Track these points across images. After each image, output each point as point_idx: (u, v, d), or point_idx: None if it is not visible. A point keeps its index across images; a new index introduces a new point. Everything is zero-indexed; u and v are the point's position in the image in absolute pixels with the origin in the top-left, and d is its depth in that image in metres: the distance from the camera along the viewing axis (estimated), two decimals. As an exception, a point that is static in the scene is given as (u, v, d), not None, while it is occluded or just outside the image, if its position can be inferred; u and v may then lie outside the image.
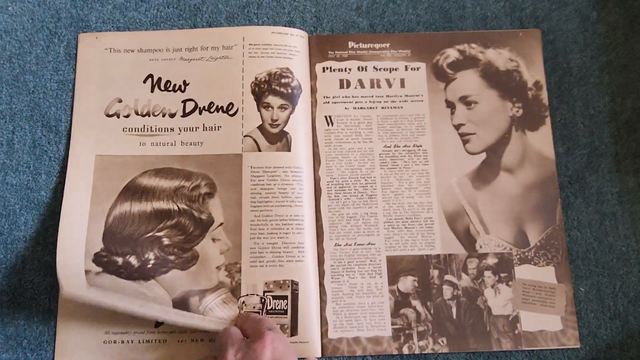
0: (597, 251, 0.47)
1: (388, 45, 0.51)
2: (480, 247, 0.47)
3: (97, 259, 0.45)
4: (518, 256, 0.47)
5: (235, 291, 0.45)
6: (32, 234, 0.46)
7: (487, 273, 0.46)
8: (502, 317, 0.45)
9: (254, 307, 0.44)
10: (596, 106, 0.51)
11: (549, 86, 0.51)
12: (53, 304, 0.45)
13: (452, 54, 0.51)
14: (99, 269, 0.45)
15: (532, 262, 0.46)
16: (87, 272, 0.44)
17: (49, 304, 0.45)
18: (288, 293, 0.44)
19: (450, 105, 0.50)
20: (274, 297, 0.45)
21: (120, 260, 0.45)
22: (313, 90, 0.50)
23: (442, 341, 0.45)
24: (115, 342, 0.44)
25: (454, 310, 0.45)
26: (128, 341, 0.44)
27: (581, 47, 0.52)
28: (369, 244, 0.47)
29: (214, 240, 0.46)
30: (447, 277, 0.46)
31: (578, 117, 0.50)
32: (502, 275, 0.46)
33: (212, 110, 0.49)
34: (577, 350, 0.45)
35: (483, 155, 0.49)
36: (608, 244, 0.47)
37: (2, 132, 0.48)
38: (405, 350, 0.44)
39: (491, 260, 0.46)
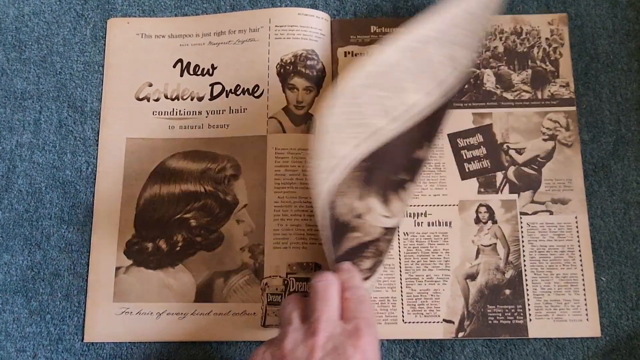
0: (621, 240, 0.47)
1: (411, 30, 0.51)
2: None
3: (129, 247, 0.46)
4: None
5: (258, 272, 0.46)
6: (56, 211, 0.47)
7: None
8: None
9: (276, 289, 0.45)
10: (623, 93, 0.50)
11: (575, 72, 0.50)
12: (75, 280, 0.46)
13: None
14: (129, 262, 0.46)
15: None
16: (117, 269, 0.46)
17: (71, 280, 0.46)
18: (311, 275, 0.45)
19: (473, 91, 0.50)
20: (297, 279, 0.45)
21: (150, 245, 0.46)
22: (334, 75, 0.50)
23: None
24: (141, 313, 0.45)
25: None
26: (156, 313, 0.45)
27: (610, 33, 0.51)
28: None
29: (238, 221, 0.47)
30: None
31: (605, 104, 0.50)
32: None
33: (238, 92, 0.49)
34: (597, 340, 0.45)
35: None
36: (632, 233, 0.47)
37: (30, 112, 0.49)
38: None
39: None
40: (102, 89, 0.50)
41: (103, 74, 0.50)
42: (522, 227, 0.46)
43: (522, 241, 0.46)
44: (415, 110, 0.39)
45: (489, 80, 0.50)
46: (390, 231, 0.41)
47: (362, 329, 0.34)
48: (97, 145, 0.48)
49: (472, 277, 0.46)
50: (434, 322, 0.45)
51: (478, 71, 0.50)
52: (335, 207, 0.37)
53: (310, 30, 0.50)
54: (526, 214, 0.47)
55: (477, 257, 0.46)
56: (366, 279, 0.40)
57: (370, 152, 0.38)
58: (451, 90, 0.41)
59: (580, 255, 0.46)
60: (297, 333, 0.34)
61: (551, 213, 0.47)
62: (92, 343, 0.45)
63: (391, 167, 0.40)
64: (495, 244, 0.46)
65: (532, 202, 0.47)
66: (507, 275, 0.46)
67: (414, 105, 0.39)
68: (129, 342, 0.45)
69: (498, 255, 0.46)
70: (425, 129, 0.41)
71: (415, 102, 0.39)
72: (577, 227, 0.46)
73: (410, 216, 0.47)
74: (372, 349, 0.34)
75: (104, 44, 0.51)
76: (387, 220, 0.41)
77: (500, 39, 0.51)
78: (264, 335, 0.44)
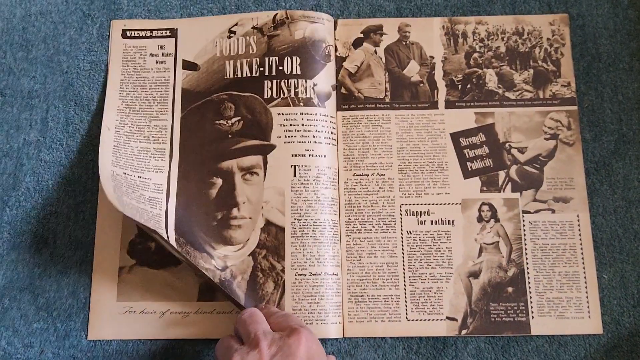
0: (622, 238, 0.47)
1: (414, 30, 0.52)
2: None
3: (132, 247, 0.46)
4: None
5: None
6: (63, 209, 0.48)
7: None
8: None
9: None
10: (625, 92, 0.50)
11: (577, 71, 0.51)
12: (82, 278, 0.46)
13: (478, 39, 0.51)
14: (133, 262, 0.46)
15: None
16: (120, 269, 0.46)
17: (78, 277, 0.46)
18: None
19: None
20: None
21: (153, 245, 0.47)
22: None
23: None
24: (144, 312, 0.45)
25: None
26: (159, 312, 0.45)
27: (611, 33, 0.51)
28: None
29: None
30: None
31: (606, 103, 0.50)
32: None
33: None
34: (599, 337, 0.45)
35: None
36: (633, 231, 0.47)
37: (37, 110, 0.50)
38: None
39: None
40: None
41: (108, 73, 0.50)
42: (524, 225, 0.47)
43: (525, 239, 0.46)
44: None
45: (491, 80, 0.50)
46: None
47: (297, 328, 0.36)
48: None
49: (475, 275, 0.46)
50: (437, 319, 0.45)
51: (480, 71, 0.50)
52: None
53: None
54: (528, 212, 0.47)
55: (479, 255, 0.46)
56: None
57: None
58: None
59: (582, 253, 0.46)
60: (241, 352, 0.36)
61: (553, 211, 0.47)
62: (99, 339, 0.45)
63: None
64: (498, 242, 0.46)
65: (535, 200, 0.47)
66: (510, 273, 0.46)
67: None
68: (135, 339, 0.45)
69: (501, 253, 0.46)
70: None
71: None
72: (579, 225, 0.47)
73: (413, 215, 0.47)
74: (314, 340, 0.37)
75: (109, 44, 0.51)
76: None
77: (502, 39, 0.51)
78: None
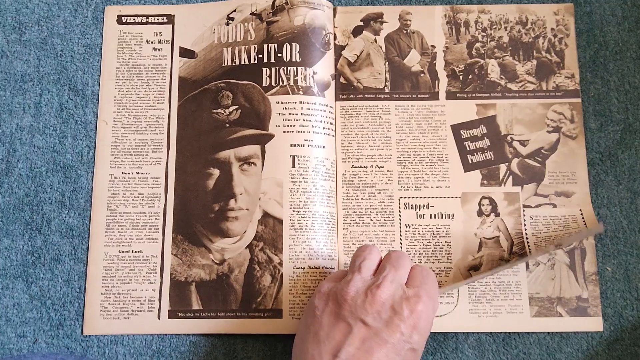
0: (627, 230, 0.46)
1: (416, 18, 0.51)
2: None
3: None
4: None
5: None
6: (57, 196, 0.47)
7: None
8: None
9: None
10: (632, 82, 0.49)
11: (583, 60, 0.50)
12: (76, 266, 0.45)
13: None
14: None
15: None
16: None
17: (72, 266, 0.45)
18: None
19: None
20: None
21: None
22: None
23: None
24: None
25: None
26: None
27: (619, 20, 0.50)
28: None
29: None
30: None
31: (612, 92, 0.49)
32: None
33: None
34: (600, 332, 0.44)
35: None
36: (638, 223, 0.47)
37: (30, 95, 0.49)
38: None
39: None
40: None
41: (102, 58, 0.50)
42: (525, 220, 0.46)
43: (526, 234, 0.46)
44: None
45: (494, 71, 0.49)
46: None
47: (422, 296, 0.36)
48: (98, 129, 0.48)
49: (476, 268, 0.45)
50: (437, 313, 0.44)
51: (482, 61, 0.50)
52: None
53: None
54: (529, 206, 0.46)
55: (479, 249, 0.46)
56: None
57: None
58: None
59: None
60: (363, 283, 0.37)
61: (554, 206, 0.46)
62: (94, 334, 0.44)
63: None
64: (498, 236, 0.46)
65: (536, 194, 0.47)
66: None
67: None
68: (130, 334, 0.44)
69: (501, 247, 0.46)
70: None
71: None
72: (583, 219, 0.46)
73: (412, 208, 0.46)
74: (426, 318, 0.36)
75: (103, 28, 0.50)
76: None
77: (505, 28, 0.50)
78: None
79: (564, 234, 0.45)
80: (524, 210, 0.46)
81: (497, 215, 0.46)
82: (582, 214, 0.46)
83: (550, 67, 0.49)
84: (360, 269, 0.38)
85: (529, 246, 0.45)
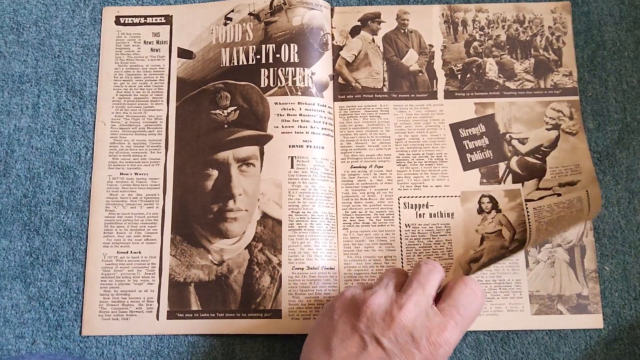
0: (625, 230, 0.46)
1: (414, 18, 0.51)
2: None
3: None
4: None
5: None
6: (55, 197, 0.47)
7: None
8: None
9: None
10: (630, 81, 0.49)
11: (581, 59, 0.50)
12: (75, 267, 0.45)
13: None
14: None
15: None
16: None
17: (70, 266, 0.45)
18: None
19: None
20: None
21: None
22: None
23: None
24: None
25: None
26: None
27: (617, 20, 0.50)
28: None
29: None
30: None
31: (610, 92, 0.49)
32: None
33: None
34: (599, 330, 0.44)
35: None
36: (636, 222, 0.47)
37: (28, 95, 0.49)
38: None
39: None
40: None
41: (100, 58, 0.49)
42: (528, 212, 0.46)
43: (529, 222, 0.46)
44: None
45: (491, 70, 0.49)
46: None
47: (447, 324, 0.34)
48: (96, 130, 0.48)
49: (476, 260, 0.45)
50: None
51: (480, 60, 0.50)
52: None
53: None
54: (532, 200, 0.46)
55: (481, 243, 0.46)
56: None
57: None
58: None
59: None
60: (387, 298, 0.35)
61: (559, 195, 0.46)
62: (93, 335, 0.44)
63: None
64: (501, 230, 0.46)
65: (538, 189, 0.47)
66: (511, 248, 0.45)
67: None
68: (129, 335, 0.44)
69: (504, 238, 0.46)
70: None
71: None
72: (588, 199, 0.44)
73: (411, 207, 0.46)
74: (447, 344, 0.34)
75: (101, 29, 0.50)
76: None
77: (503, 27, 0.50)
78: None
79: (566, 214, 0.44)
80: (526, 204, 0.46)
81: (499, 211, 0.46)
82: (587, 194, 0.45)
83: (548, 65, 0.49)
84: (386, 285, 0.36)
85: (530, 232, 0.45)
